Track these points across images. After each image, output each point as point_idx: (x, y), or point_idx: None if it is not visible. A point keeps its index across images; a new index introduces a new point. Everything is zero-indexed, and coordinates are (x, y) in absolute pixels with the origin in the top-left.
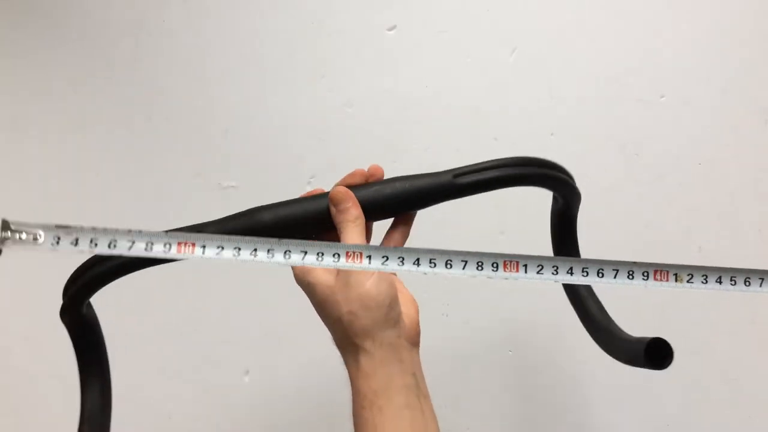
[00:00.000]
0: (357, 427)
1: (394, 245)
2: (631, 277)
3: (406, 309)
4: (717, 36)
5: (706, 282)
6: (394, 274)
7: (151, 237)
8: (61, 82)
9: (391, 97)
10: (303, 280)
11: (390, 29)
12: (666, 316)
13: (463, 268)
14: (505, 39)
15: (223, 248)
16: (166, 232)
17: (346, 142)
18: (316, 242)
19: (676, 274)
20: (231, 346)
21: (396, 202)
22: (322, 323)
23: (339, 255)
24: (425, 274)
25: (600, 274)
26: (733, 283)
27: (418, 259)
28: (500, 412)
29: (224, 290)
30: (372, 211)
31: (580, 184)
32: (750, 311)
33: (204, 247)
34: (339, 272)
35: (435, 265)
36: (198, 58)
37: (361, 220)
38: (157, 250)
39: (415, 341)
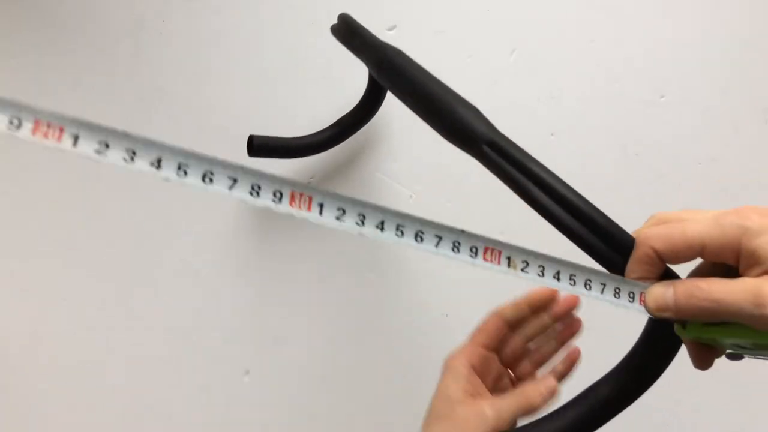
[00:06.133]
0: None
1: None
2: (456, 250)
3: None
4: (717, 36)
5: (542, 275)
6: None
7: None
8: (60, 82)
9: (390, 98)
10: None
11: (390, 29)
12: None
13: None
14: (505, 39)
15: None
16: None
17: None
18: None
19: (509, 258)
20: (231, 346)
21: None
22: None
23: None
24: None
25: (419, 239)
26: (572, 283)
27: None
28: None
29: (225, 289)
30: None
31: (580, 183)
32: None
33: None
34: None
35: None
36: (198, 58)
37: None
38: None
39: None
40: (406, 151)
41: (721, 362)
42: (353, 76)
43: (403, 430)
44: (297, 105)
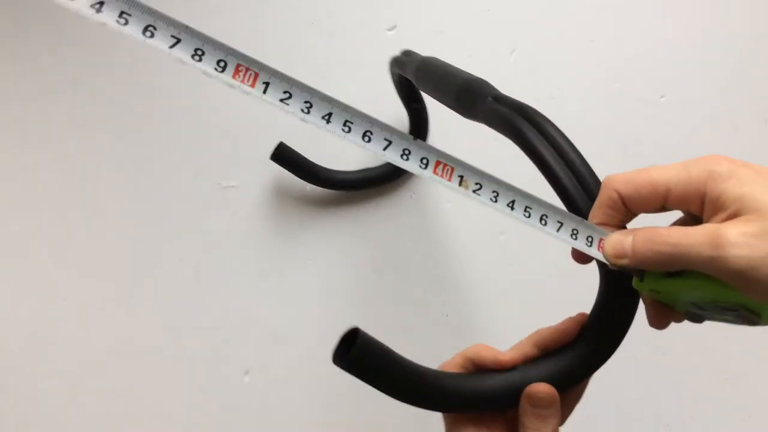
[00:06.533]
0: None
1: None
2: (405, 158)
3: None
4: (717, 36)
5: (495, 201)
6: None
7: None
8: (59, 83)
9: (391, 98)
10: None
11: (390, 29)
12: None
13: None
14: (505, 39)
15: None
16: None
17: (345, 143)
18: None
19: (461, 176)
20: (231, 346)
21: None
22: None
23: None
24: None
25: (366, 138)
26: (527, 215)
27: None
28: None
29: (225, 289)
30: None
31: None
32: None
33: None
34: None
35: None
36: None
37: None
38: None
39: None
40: None
41: (722, 363)
42: (353, 77)
43: (402, 430)
44: None
